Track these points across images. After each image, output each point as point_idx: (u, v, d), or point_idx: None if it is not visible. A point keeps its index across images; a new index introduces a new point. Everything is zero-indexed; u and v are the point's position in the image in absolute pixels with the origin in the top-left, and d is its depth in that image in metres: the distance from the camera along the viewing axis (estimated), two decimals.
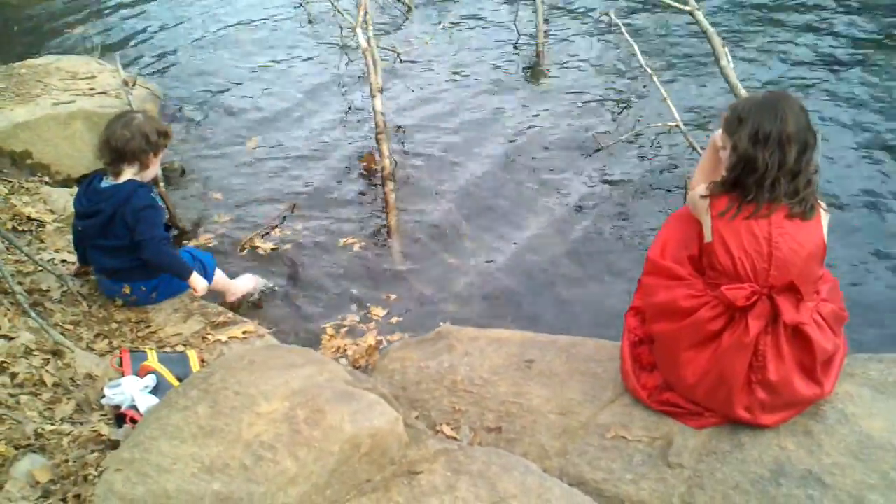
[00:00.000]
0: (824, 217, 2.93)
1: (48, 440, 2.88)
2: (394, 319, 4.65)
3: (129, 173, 3.92)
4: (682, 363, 2.97)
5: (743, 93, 5.28)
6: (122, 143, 3.84)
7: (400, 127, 6.88)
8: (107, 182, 3.93)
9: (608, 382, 3.33)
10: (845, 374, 3.07)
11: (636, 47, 6.15)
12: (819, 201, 2.92)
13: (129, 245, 3.92)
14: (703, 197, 2.97)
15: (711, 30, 5.62)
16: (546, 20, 8.34)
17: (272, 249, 5.33)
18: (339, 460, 2.54)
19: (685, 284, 3.01)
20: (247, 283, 4.70)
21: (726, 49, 5.54)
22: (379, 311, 4.69)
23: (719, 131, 3.04)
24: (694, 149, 5.46)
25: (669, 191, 5.76)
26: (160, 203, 4.11)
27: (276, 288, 4.89)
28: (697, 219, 3.06)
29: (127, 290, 4.06)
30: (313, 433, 2.56)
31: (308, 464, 2.49)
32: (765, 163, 2.79)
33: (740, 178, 2.86)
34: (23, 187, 5.25)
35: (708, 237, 2.94)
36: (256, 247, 5.34)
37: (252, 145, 6.81)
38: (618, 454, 3.01)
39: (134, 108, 5.75)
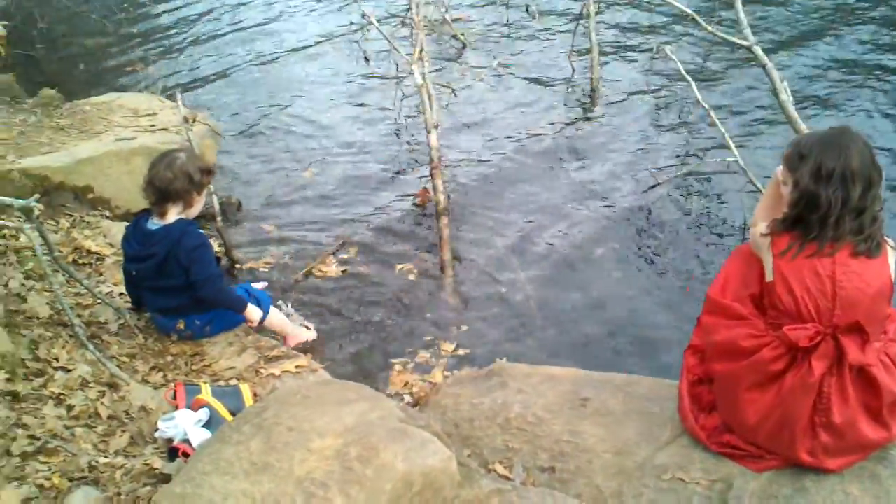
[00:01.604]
0: (892, 255, 2.85)
1: (102, 473, 2.89)
2: (449, 355, 4.62)
3: (174, 212, 3.96)
4: (743, 404, 2.89)
5: (802, 127, 5.18)
6: (165, 183, 3.87)
7: (450, 164, 6.90)
8: (154, 223, 3.97)
9: (665, 422, 3.25)
10: None
11: (693, 83, 6.08)
12: (886, 238, 2.84)
13: (185, 284, 3.96)
14: (763, 235, 2.90)
15: (770, 64, 5.53)
16: (601, 56, 8.30)
17: (343, 272, 5.41)
18: (391, 499, 2.50)
19: (746, 324, 2.93)
20: (306, 335, 4.67)
21: (785, 84, 5.45)
22: (448, 347, 4.67)
23: (781, 167, 2.98)
24: (753, 185, 5.36)
25: (728, 228, 5.67)
26: (209, 240, 4.14)
27: (336, 321, 4.89)
28: (759, 257, 2.99)
29: (181, 326, 4.09)
30: (365, 471, 2.52)
31: (359, 502, 2.45)
32: (828, 200, 2.72)
33: (802, 215, 2.79)
34: (84, 221, 5.34)
35: (769, 276, 2.87)
36: (323, 273, 5.40)
37: (308, 175, 6.88)
38: (675, 497, 2.92)
39: (192, 144, 5.82)
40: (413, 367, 4.53)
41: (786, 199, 2.91)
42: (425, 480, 2.60)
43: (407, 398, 4.11)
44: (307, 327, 4.72)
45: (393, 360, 4.58)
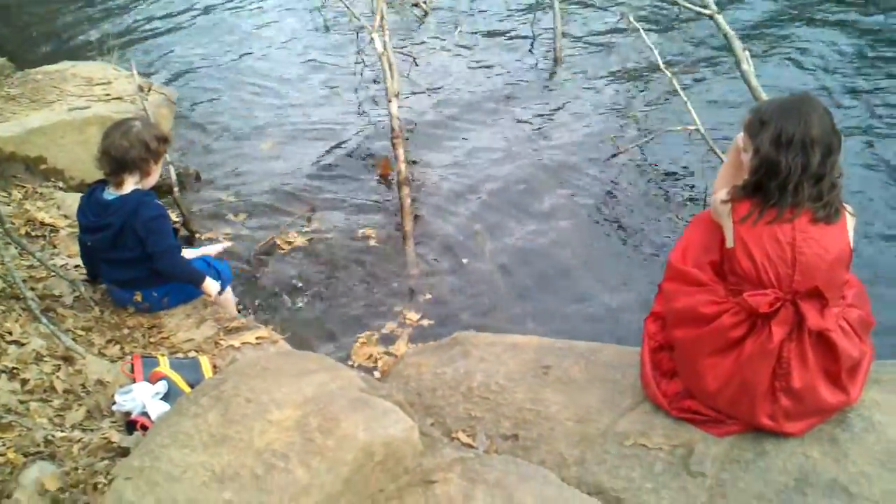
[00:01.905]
0: (850, 221, 2.86)
1: (58, 447, 2.83)
2: (414, 325, 4.60)
3: (130, 182, 3.86)
4: (704, 370, 2.90)
5: (764, 97, 5.20)
6: (121, 152, 3.76)
7: (411, 129, 6.84)
8: (109, 193, 3.87)
9: (627, 389, 3.26)
10: (871, 381, 2.99)
11: (655, 51, 6.08)
12: (845, 205, 2.85)
13: (141, 256, 3.88)
14: (724, 202, 2.90)
15: (732, 33, 5.54)
16: (563, 19, 8.25)
17: (308, 241, 5.37)
18: (352, 469, 2.48)
19: (707, 290, 2.94)
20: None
21: (747, 53, 5.46)
22: (413, 316, 4.65)
23: (741, 134, 2.98)
24: (715, 153, 5.38)
25: (689, 194, 5.69)
26: (166, 210, 4.07)
27: (298, 291, 4.84)
28: (719, 223, 2.99)
29: (139, 298, 4.02)
30: (326, 442, 2.50)
31: (321, 473, 2.43)
32: (787, 166, 2.72)
33: (762, 182, 2.79)
34: (37, 192, 5.22)
35: (730, 242, 2.87)
36: (290, 243, 5.35)
37: (267, 147, 6.80)
38: (637, 462, 2.94)
39: (148, 113, 5.73)
40: (378, 338, 4.50)
41: (746, 166, 2.91)
42: (387, 450, 2.58)
43: (377, 374, 4.08)
44: None
45: (358, 333, 4.55)
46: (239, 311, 4.54)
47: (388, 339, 4.49)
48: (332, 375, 2.88)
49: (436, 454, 2.77)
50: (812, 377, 2.78)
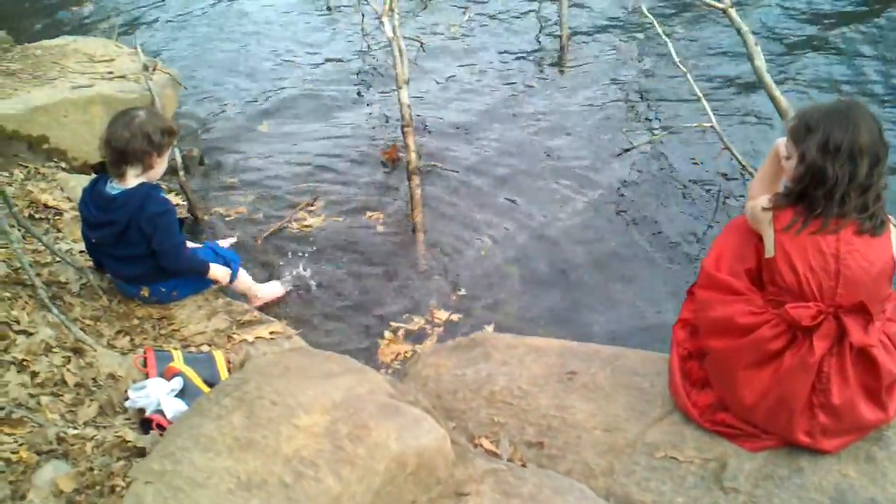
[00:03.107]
0: (894, 232, 2.78)
1: (71, 446, 2.72)
2: (441, 323, 4.52)
3: (132, 175, 3.73)
4: (740, 383, 2.82)
5: (778, 94, 5.13)
6: (122, 143, 3.64)
7: (426, 127, 6.73)
8: (113, 187, 3.74)
9: (656, 398, 3.17)
10: None
11: (670, 44, 5.96)
12: (889, 216, 2.78)
13: (147, 252, 3.78)
14: (765, 209, 2.82)
15: (745, 28, 5.44)
16: (571, 9, 8.13)
17: (316, 229, 5.27)
18: (384, 480, 2.38)
19: (743, 300, 2.86)
20: (273, 290, 4.56)
21: (759, 47, 5.37)
22: (442, 315, 4.55)
23: (783, 139, 2.89)
24: (730, 151, 5.29)
25: (704, 193, 5.58)
26: (173, 204, 3.96)
27: (301, 289, 4.75)
28: (755, 231, 2.91)
29: (146, 293, 3.91)
30: (357, 450, 2.40)
31: (352, 483, 2.34)
32: (835, 175, 2.64)
33: (807, 190, 2.71)
34: (39, 173, 5.07)
35: (770, 252, 2.79)
36: (299, 226, 5.27)
37: (264, 129, 6.70)
38: (668, 475, 2.85)
39: (153, 93, 5.60)
40: (404, 334, 4.41)
41: (789, 173, 2.83)
42: (420, 460, 2.48)
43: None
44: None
45: (371, 328, 4.47)
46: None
47: (412, 336, 4.40)
48: (358, 379, 2.78)
49: (467, 465, 2.68)
50: (852, 393, 2.71)
